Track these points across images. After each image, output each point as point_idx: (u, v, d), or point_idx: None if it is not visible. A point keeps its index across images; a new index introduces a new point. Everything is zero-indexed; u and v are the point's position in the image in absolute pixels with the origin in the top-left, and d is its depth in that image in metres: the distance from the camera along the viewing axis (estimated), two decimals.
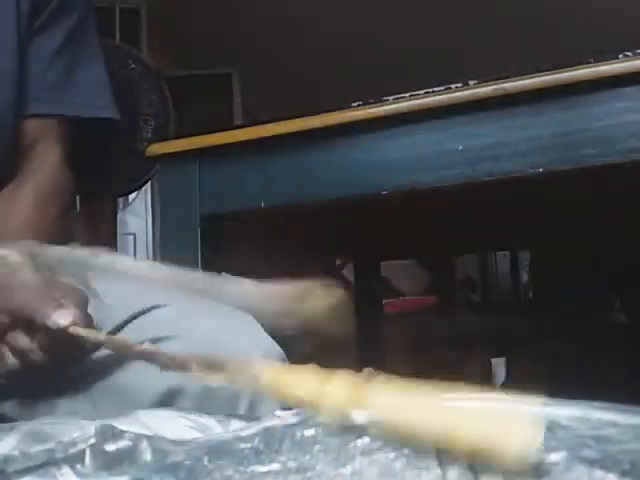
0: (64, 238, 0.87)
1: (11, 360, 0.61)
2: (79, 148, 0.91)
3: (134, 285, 0.79)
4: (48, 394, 0.68)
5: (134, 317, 0.70)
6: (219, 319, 0.72)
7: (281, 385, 0.41)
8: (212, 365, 0.45)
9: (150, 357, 0.51)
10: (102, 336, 0.59)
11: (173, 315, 0.71)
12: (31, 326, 0.60)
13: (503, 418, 0.34)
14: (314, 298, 0.46)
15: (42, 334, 0.59)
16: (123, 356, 0.68)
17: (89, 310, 0.62)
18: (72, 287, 0.64)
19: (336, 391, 0.38)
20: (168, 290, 0.77)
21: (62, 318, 0.58)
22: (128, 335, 0.69)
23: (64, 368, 0.65)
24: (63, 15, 0.88)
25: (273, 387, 0.41)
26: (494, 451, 0.32)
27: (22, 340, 0.60)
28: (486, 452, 0.32)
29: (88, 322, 0.61)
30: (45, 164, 0.86)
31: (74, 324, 0.58)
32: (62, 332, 0.58)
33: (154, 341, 0.68)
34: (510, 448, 0.32)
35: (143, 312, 0.70)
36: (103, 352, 0.68)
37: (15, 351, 0.61)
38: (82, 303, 0.62)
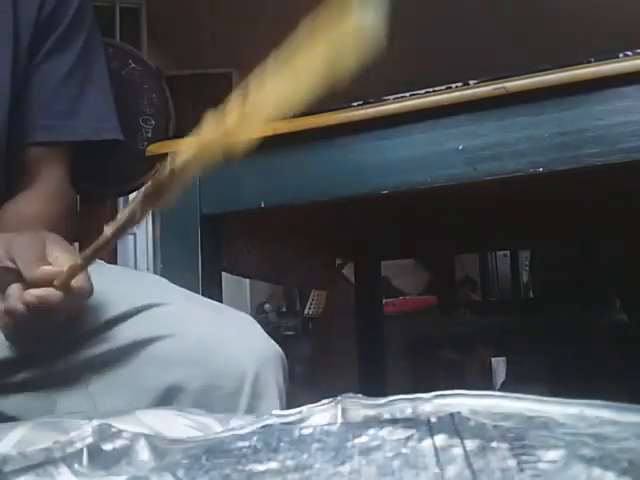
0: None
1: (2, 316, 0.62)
2: (79, 150, 0.92)
3: (134, 283, 0.79)
4: (48, 388, 0.68)
5: (132, 313, 0.70)
6: (217, 320, 0.72)
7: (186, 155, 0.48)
8: (151, 191, 0.50)
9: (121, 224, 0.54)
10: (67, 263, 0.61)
11: (171, 314, 0.71)
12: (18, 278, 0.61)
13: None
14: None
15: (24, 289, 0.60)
16: (124, 353, 0.68)
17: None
18: (74, 253, 0.65)
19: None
20: (168, 290, 0.77)
21: (41, 273, 0.60)
22: (125, 330, 0.69)
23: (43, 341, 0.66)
24: (70, 40, 0.88)
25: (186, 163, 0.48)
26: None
27: (12, 289, 0.61)
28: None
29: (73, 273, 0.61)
30: (48, 182, 0.87)
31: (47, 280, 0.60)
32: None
33: (151, 340, 0.68)
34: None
35: (142, 309, 0.70)
36: (102, 348, 0.68)
37: (5, 303, 0.61)
38: (74, 264, 0.62)
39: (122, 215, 0.54)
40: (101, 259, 0.97)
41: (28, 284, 0.61)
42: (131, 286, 0.77)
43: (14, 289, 0.61)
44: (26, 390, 0.68)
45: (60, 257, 0.62)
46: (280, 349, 0.71)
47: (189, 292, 0.79)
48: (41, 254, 0.62)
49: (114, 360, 0.68)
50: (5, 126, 0.83)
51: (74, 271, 0.60)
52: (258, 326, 0.73)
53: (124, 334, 0.69)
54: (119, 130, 0.94)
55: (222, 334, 0.69)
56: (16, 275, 0.61)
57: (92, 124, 0.90)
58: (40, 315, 0.61)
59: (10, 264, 0.62)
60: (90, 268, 0.62)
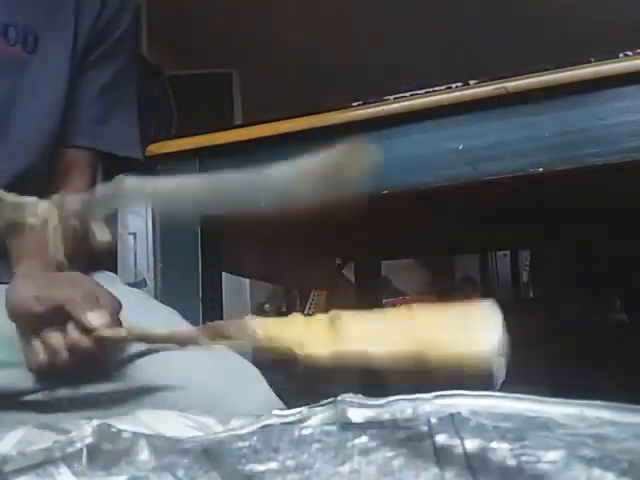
0: (86, 258, 0.89)
1: (42, 357, 0.63)
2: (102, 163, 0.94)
3: (145, 317, 0.79)
4: (83, 406, 0.69)
5: (139, 355, 0.71)
6: (221, 372, 0.72)
7: (271, 333, 0.46)
8: (216, 333, 0.50)
9: (165, 340, 0.58)
10: (123, 332, 0.62)
11: (176, 362, 0.72)
12: (64, 320, 0.62)
13: (463, 323, 0.36)
14: (347, 160, 0.47)
15: (72, 332, 0.62)
16: (125, 397, 0.69)
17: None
18: (108, 292, 0.67)
19: (316, 327, 0.42)
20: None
21: (95, 319, 0.61)
22: (130, 373, 0.71)
23: (88, 372, 0.67)
24: (115, 54, 0.92)
25: (266, 337, 0.46)
26: (458, 356, 0.34)
27: (55, 337, 0.63)
28: (452, 358, 0.35)
29: (119, 326, 0.63)
30: (74, 190, 0.88)
31: (105, 326, 0.60)
32: (92, 333, 0.61)
33: (154, 389, 0.69)
34: (472, 350, 0.34)
35: (148, 352, 0.71)
36: (106, 387, 0.69)
37: (47, 347, 0.62)
38: (115, 309, 0.65)
39: (178, 333, 0.57)
40: (106, 267, 0.98)
41: (78, 329, 0.62)
42: (142, 321, 0.77)
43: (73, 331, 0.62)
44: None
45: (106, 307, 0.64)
46: (282, 403, 0.71)
47: None
48: (92, 300, 0.63)
49: (115, 401, 0.69)
50: (58, 125, 0.86)
51: (117, 334, 0.62)
52: (262, 378, 0.73)
53: (129, 377, 0.70)
54: (140, 151, 0.97)
55: (224, 388, 0.70)
56: (66, 317, 0.62)
57: (120, 138, 0.94)
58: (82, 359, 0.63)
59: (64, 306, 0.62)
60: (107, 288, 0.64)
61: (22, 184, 0.84)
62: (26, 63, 0.84)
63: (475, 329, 0.35)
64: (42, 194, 0.86)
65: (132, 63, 0.97)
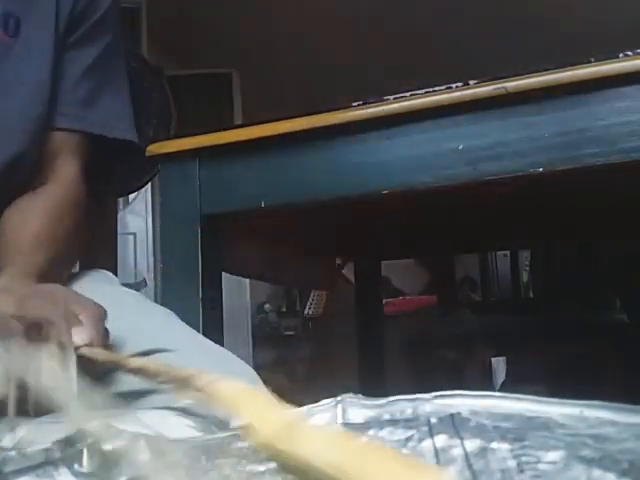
0: (76, 254, 0.88)
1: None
2: (92, 148, 0.93)
3: (142, 318, 0.78)
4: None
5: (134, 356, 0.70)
6: (221, 372, 0.72)
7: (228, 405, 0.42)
8: (181, 381, 0.47)
9: (137, 372, 0.55)
10: (101, 356, 0.60)
11: (180, 363, 0.71)
12: (45, 336, 0.60)
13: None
14: None
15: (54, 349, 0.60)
16: (122, 399, 0.68)
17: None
18: (91, 302, 0.65)
19: (269, 425, 0.38)
20: (175, 331, 0.77)
21: (78, 336, 0.59)
22: (126, 376, 0.69)
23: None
24: (97, 34, 0.91)
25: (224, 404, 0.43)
26: None
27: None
28: None
29: (104, 339, 0.62)
30: (63, 177, 0.87)
31: (88, 344, 0.59)
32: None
33: (149, 392, 0.68)
34: None
35: (146, 353, 0.70)
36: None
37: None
38: (99, 318, 0.63)
39: (153, 368, 0.55)
40: (103, 266, 0.97)
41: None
42: (139, 322, 0.76)
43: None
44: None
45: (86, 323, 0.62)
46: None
47: (194, 334, 0.78)
48: (72, 318, 0.62)
49: (115, 402, 0.69)
50: (45, 110, 0.85)
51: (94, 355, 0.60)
52: (259, 379, 0.73)
53: (126, 379, 0.69)
54: (134, 132, 0.95)
55: None
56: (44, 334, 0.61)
57: (107, 120, 0.92)
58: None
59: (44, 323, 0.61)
60: (103, 292, 0.63)
61: (11, 173, 0.83)
62: (8, 48, 0.83)
63: None
64: (32, 183, 0.85)
65: (118, 45, 0.96)
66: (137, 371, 0.56)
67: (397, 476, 0.31)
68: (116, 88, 0.94)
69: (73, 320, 0.60)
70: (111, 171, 1.10)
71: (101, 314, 0.64)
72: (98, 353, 0.59)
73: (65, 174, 0.87)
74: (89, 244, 0.95)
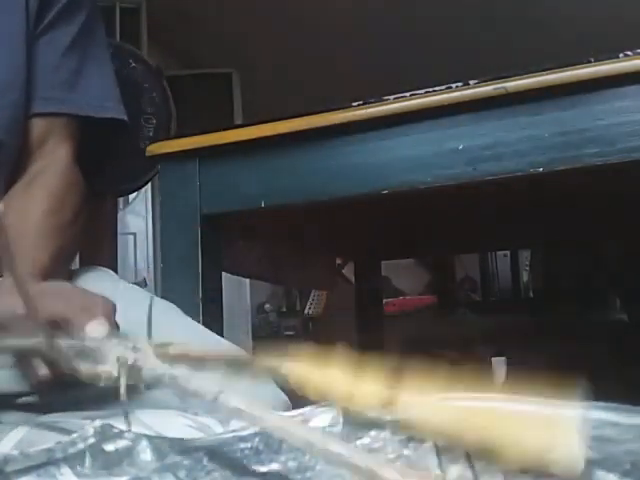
0: (77, 243, 0.87)
1: (43, 371, 0.61)
2: (81, 147, 0.92)
3: (143, 310, 0.78)
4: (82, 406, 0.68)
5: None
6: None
7: (310, 384, 0.40)
8: (239, 364, 0.45)
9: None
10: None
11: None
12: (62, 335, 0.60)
13: (545, 424, 0.33)
14: None
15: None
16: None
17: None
18: (102, 297, 0.65)
19: (367, 395, 0.37)
20: (176, 324, 0.77)
21: (95, 330, 0.59)
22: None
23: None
24: (71, 14, 0.88)
25: (302, 385, 0.40)
26: (537, 458, 0.31)
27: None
28: (530, 458, 0.31)
29: (115, 333, 0.62)
30: (55, 163, 0.85)
31: (105, 335, 0.59)
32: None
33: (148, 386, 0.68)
34: (555, 456, 0.31)
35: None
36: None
37: (47, 361, 0.61)
38: (110, 312, 0.63)
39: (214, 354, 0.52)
40: (102, 264, 0.97)
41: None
42: (140, 315, 0.76)
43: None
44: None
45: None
46: (288, 399, 0.70)
47: (196, 326, 0.78)
48: (88, 312, 0.62)
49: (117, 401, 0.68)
50: (23, 97, 0.82)
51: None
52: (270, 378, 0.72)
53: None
54: (122, 110, 0.92)
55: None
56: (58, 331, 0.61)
57: (93, 99, 0.89)
58: None
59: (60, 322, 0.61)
60: (107, 287, 0.62)
61: None
62: None
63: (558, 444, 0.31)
64: (14, 175, 0.84)
65: (96, 22, 0.93)
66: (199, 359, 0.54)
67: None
68: (99, 67, 0.91)
69: (87, 315, 0.60)
70: (109, 170, 1.10)
71: (110, 309, 0.64)
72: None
73: (57, 159, 0.85)
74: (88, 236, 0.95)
